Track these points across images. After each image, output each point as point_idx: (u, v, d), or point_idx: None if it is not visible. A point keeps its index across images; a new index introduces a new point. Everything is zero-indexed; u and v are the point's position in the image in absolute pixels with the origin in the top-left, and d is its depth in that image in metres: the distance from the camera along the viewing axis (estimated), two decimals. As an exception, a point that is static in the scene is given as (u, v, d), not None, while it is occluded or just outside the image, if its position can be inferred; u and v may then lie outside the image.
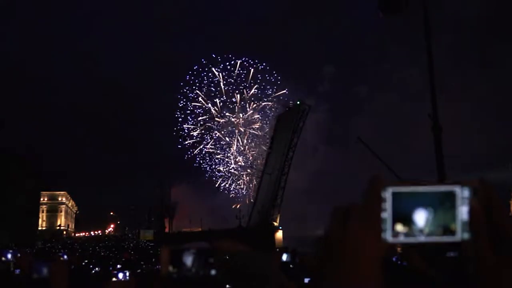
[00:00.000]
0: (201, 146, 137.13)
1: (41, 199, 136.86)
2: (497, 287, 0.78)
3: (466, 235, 0.76)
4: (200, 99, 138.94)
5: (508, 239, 0.78)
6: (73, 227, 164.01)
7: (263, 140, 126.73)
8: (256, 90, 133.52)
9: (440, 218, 0.78)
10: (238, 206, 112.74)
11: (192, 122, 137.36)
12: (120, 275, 11.18)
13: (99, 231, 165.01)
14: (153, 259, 34.85)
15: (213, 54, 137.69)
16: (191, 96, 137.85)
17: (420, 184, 0.79)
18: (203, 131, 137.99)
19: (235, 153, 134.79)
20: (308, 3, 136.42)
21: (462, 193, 0.77)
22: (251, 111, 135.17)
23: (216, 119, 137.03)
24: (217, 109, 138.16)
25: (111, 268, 17.81)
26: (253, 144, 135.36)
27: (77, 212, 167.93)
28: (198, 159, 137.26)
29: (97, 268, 17.64)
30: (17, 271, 7.15)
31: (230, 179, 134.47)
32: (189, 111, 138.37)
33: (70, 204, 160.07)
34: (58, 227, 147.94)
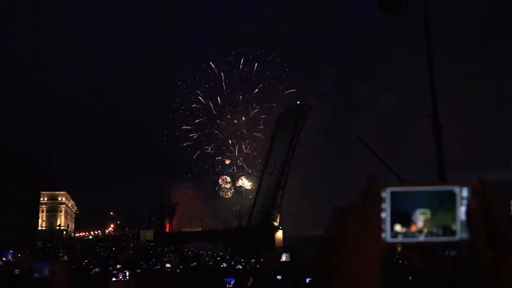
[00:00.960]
0: (202, 148, 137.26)
1: (41, 199, 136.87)
2: (496, 286, 0.77)
3: (465, 235, 0.77)
4: (200, 98, 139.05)
5: (506, 238, 0.78)
6: (73, 227, 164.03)
7: (264, 141, 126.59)
8: (261, 88, 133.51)
9: (439, 218, 0.78)
10: (238, 208, 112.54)
11: (193, 123, 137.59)
12: (120, 275, 11.19)
13: (99, 231, 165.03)
14: (153, 259, 34.83)
15: (214, 55, 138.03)
16: (192, 98, 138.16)
17: (419, 184, 0.79)
18: (204, 131, 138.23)
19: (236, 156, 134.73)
20: (309, 3, 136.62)
21: (461, 193, 0.77)
22: (253, 113, 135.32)
23: (218, 120, 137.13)
24: (218, 109, 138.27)
25: (111, 268, 17.80)
26: (254, 144, 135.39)
27: (77, 212, 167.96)
28: (198, 159, 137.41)
29: (96, 269, 17.64)
30: (17, 271, 7.14)
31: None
32: (189, 112, 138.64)
33: (70, 204, 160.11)
34: (58, 227, 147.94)
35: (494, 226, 0.72)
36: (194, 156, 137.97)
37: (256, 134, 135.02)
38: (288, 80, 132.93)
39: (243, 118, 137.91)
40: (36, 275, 4.33)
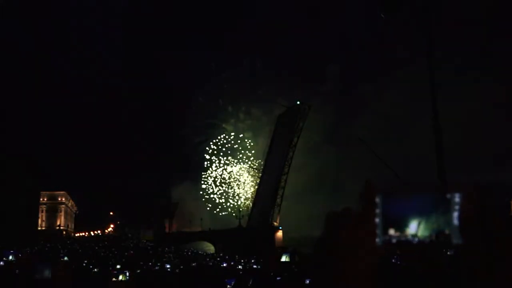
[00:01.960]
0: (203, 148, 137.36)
1: (41, 199, 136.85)
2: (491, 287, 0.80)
3: (459, 240, 0.79)
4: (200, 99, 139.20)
5: (501, 243, 0.79)
6: (73, 227, 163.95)
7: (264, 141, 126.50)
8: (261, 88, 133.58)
9: (433, 222, 0.80)
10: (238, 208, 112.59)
11: (193, 126, 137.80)
12: (120, 275, 11.21)
13: (99, 231, 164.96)
14: (153, 259, 34.86)
15: (216, 54, 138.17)
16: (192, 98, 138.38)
17: (412, 189, 0.81)
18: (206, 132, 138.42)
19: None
20: (310, 3, 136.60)
21: (454, 198, 0.79)
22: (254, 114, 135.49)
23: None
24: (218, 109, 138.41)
25: (111, 268, 17.83)
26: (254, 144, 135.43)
27: (77, 212, 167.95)
28: (199, 159, 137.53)
29: (95, 269, 17.66)
30: (16, 271, 7.15)
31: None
32: (190, 113, 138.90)
33: (70, 204, 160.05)
34: (57, 227, 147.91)
35: (490, 231, 0.75)
36: (195, 156, 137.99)
37: (256, 134, 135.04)
38: (289, 80, 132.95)
39: (244, 118, 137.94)
40: (38, 276, 4.35)
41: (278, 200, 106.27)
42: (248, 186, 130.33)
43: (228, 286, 11.15)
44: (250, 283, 10.13)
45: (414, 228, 0.80)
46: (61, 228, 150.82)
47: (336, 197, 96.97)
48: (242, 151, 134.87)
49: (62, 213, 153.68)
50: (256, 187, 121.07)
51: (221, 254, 59.90)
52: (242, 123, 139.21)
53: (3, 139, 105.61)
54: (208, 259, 44.87)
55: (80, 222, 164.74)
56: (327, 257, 0.84)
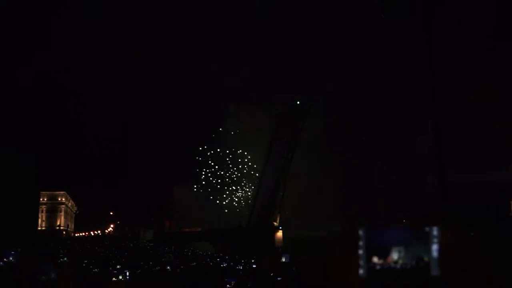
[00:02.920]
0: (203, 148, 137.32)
1: (41, 199, 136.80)
2: None
3: (437, 272, 0.82)
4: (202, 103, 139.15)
5: (476, 274, 0.79)
6: (73, 227, 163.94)
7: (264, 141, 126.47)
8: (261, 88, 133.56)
9: (413, 250, 0.84)
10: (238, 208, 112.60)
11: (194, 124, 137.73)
12: (120, 275, 11.22)
13: (99, 231, 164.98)
14: (153, 259, 34.87)
15: (217, 55, 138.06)
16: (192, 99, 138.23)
17: (393, 225, 0.85)
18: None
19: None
20: (311, 2, 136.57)
21: (433, 232, 0.83)
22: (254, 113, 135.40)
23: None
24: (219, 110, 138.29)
25: (111, 268, 17.84)
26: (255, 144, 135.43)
27: (77, 212, 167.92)
28: (199, 159, 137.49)
29: (96, 269, 17.69)
30: (18, 272, 7.15)
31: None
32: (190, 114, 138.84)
33: (69, 204, 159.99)
34: (57, 227, 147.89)
35: (466, 263, 0.78)
36: (196, 156, 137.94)
37: (256, 133, 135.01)
38: (289, 79, 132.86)
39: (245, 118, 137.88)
40: (43, 277, 4.35)
41: (278, 200, 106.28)
42: (248, 186, 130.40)
43: (228, 286, 11.16)
44: (250, 283, 10.16)
45: (396, 255, 0.85)
46: (61, 228, 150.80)
47: (336, 197, 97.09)
48: (242, 151, 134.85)
49: (62, 213, 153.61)
50: (256, 187, 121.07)
51: (221, 254, 59.92)
52: (243, 123, 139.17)
53: (2, 139, 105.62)
54: (208, 259, 44.89)
55: (80, 222, 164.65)
56: (324, 273, 0.86)
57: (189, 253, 65.01)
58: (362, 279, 0.70)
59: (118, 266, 20.08)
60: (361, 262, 0.71)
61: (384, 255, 0.71)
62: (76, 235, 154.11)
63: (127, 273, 11.68)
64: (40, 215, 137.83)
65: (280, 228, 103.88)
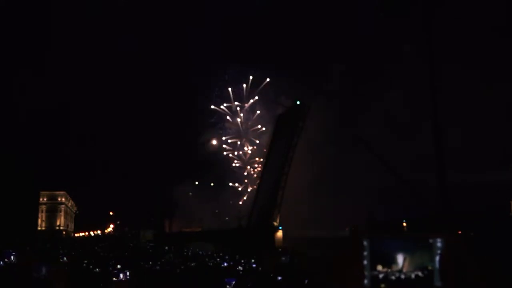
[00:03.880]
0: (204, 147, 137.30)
1: (41, 199, 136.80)
2: None
3: (439, 283, 0.88)
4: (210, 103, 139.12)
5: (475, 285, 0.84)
6: (73, 227, 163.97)
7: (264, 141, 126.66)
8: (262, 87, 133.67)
9: (417, 259, 0.89)
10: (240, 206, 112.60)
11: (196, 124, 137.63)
12: (121, 275, 11.22)
13: (99, 231, 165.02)
14: (153, 259, 34.89)
15: (217, 55, 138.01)
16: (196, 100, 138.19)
17: (397, 235, 0.90)
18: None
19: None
20: (312, 2, 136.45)
21: (436, 243, 0.88)
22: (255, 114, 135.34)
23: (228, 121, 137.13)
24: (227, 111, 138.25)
25: (111, 268, 17.85)
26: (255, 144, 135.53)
27: (77, 212, 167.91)
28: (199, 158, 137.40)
29: (96, 269, 17.71)
30: (16, 271, 7.16)
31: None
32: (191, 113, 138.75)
33: (69, 204, 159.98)
34: (57, 227, 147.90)
35: (467, 276, 0.82)
36: (196, 156, 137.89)
37: (257, 133, 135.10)
38: (289, 79, 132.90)
39: (245, 118, 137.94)
40: (35, 274, 4.36)
41: (278, 200, 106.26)
42: (248, 186, 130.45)
43: (228, 286, 11.16)
44: (250, 283, 10.16)
45: (400, 264, 0.90)
46: (61, 228, 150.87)
47: (336, 197, 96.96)
48: (242, 151, 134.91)
49: (62, 213, 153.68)
50: (256, 187, 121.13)
51: (221, 254, 59.91)
52: (243, 122, 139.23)
53: (2, 139, 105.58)
54: (208, 259, 44.89)
55: (80, 222, 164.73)
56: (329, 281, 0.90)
57: (189, 253, 65.04)
58: None
59: (118, 266, 20.08)
60: (366, 273, 0.72)
61: (388, 263, 0.72)
62: (76, 235, 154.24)
63: (128, 273, 11.68)
64: (40, 215, 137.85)
65: (280, 228, 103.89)
